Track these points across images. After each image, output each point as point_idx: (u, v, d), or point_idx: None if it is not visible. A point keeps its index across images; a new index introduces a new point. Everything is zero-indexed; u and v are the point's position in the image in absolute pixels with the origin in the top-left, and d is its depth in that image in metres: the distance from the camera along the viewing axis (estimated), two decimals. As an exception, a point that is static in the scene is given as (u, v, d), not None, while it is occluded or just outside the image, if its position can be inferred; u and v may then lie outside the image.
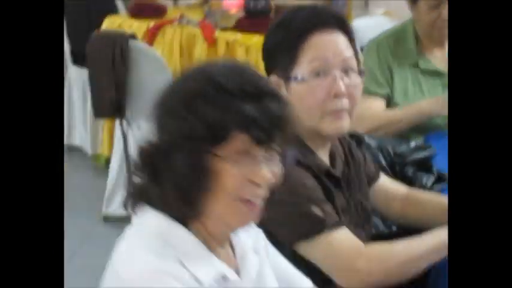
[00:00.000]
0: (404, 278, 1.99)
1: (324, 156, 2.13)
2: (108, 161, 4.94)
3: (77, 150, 5.75)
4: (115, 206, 4.65)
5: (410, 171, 2.57)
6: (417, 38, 3.24)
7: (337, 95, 2.02)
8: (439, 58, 3.23)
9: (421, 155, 2.64)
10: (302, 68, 2.02)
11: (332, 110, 2.03)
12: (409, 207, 2.35)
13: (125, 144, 4.46)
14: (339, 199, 2.10)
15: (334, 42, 2.04)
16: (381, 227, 2.42)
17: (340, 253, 1.97)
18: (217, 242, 1.59)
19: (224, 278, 1.56)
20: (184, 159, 1.48)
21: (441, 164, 2.66)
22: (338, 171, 2.14)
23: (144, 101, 4.03)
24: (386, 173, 2.46)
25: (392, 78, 3.16)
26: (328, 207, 2.01)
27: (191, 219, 1.56)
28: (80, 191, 5.15)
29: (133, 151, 4.27)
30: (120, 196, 4.64)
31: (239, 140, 1.50)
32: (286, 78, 2.03)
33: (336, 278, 1.96)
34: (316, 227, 1.97)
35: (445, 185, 2.56)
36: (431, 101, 3.07)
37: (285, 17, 2.10)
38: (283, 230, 1.96)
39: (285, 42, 2.04)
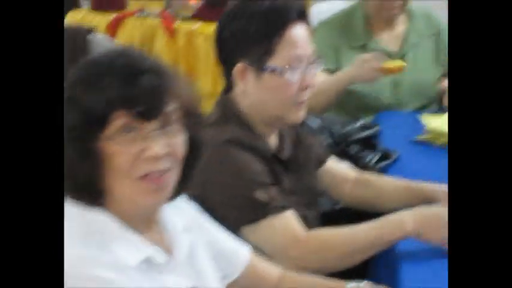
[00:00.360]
0: (340, 268, 2.02)
1: (272, 140, 2.18)
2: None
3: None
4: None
5: (354, 149, 2.62)
6: (366, 20, 3.28)
7: (306, 88, 2.10)
8: (387, 39, 3.27)
9: (366, 133, 2.69)
10: (278, 60, 2.06)
11: (299, 101, 2.10)
12: (359, 189, 2.39)
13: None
14: (287, 182, 2.14)
15: (304, 36, 2.10)
16: (326, 204, 2.46)
17: (278, 239, 2.01)
18: (142, 224, 1.60)
19: (151, 259, 1.56)
20: (72, 150, 1.49)
21: (388, 142, 2.73)
22: (286, 154, 2.19)
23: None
24: (331, 152, 2.50)
25: (339, 59, 3.20)
26: (274, 192, 2.05)
27: (105, 205, 1.56)
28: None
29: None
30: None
31: (121, 119, 1.49)
32: (260, 68, 2.07)
33: (275, 261, 1.97)
34: (260, 212, 2.01)
35: (389, 162, 2.63)
36: (354, 65, 3.02)
37: (255, 6, 2.10)
38: (230, 215, 2.00)
39: (259, 33, 2.06)
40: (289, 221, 2.04)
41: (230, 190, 2.02)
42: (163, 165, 1.54)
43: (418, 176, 2.36)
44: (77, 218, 1.54)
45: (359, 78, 3.00)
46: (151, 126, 1.52)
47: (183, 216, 1.72)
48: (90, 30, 4.46)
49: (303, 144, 2.29)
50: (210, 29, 4.85)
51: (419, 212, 2.02)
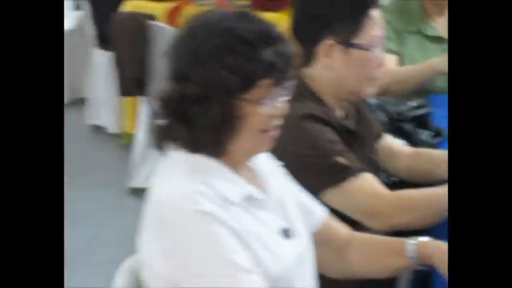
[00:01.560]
0: (422, 224, 2.17)
1: (340, 114, 2.36)
2: (131, 139, 5.09)
3: (102, 129, 5.94)
4: (139, 179, 4.83)
5: (408, 127, 2.77)
6: (422, 5, 3.42)
7: (381, 65, 2.31)
8: (440, 25, 3.42)
9: (419, 112, 2.84)
10: (364, 38, 2.25)
11: (374, 77, 2.31)
12: (415, 163, 2.54)
13: (150, 119, 4.63)
14: (354, 153, 2.30)
15: (379, 19, 2.30)
16: (383, 177, 2.60)
17: (365, 198, 2.18)
18: (239, 168, 1.79)
19: (250, 196, 1.75)
20: (218, 107, 1.67)
21: (439, 121, 2.86)
22: (352, 128, 2.36)
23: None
24: (386, 129, 2.66)
25: (401, 42, 3.37)
26: (351, 157, 2.22)
27: (217, 156, 1.74)
28: (106, 168, 5.35)
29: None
30: (144, 169, 4.81)
31: (263, 84, 1.69)
32: (347, 44, 2.24)
33: (362, 220, 2.16)
34: (342, 175, 2.18)
35: (441, 139, 2.76)
36: (440, 59, 3.21)
37: None
38: (310, 181, 2.14)
39: (349, 12, 2.24)
40: (372, 181, 2.21)
41: (311, 158, 2.18)
42: (280, 121, 1.75)
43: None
44: (183, 160, 1.73)
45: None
46: (281, 88, 1.72)
47: (269, 162, 1.91)
48: (149, 17, 4.62)
49: (363, 119, 2.45)
50: (265, 17, 4.98)
51: None
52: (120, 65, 4.68)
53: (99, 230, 4.43)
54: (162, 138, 1.77)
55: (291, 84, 1.75)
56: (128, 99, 5.36)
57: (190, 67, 1.70)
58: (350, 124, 2.36)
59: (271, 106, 1.71)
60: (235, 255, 1.66)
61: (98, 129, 5.96)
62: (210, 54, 1.68)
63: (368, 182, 2.20)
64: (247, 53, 1.67)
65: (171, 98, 1.73)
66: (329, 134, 2.22)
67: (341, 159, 2.18)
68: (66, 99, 6.67)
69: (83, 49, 6.26)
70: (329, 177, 2.18)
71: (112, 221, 4.59)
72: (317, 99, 2.28)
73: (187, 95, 1.69)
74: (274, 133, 1.76)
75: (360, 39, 2.24)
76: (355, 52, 2.25)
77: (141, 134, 4.85)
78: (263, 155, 1.88)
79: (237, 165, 1.78)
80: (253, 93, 1.69)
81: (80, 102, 6.34)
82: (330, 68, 2.27)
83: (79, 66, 6.48)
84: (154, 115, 1.77)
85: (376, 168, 2.43)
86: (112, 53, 4.79)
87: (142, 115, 4.80)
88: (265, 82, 1.69)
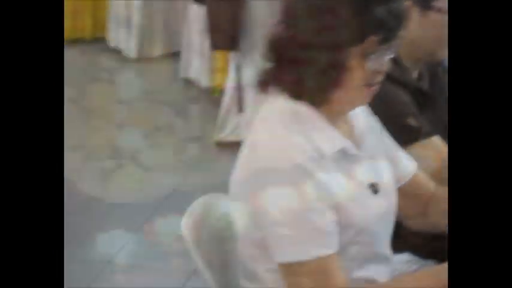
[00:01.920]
0: None
1: (415, 74, 2.40)
2: (222, 92, 5.19)
3: (194, 83, 6.04)
4: (227, 132, 4.95)
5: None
6: None
7: None
8: None
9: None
10: (442, 1, 2.26)
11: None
12: None
13: (239, 74, 4.75)
14: (425, 114, 2.35)
15: None
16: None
17: (432, 162, 2.21)
18: (337, 121, 1.84)
19: (344, 150, 1.80)
20: (326, 56, 1.71)
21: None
22: (425, 88, 2.41)
23: (259, 35, 4.29)
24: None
25: None
26: (422, 120, 2.26)
27: (318, 105, 1.79)
28: (196, 120, 5.48)
29: (246, 82, 4.55)
30: (231, 123, 4.91)
31: (372, 40, 1.73)
32: (427, 6, 2.29)
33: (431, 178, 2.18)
34: (413, 136, 2.22)
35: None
36: None
37: None
38: None
39: None
40: (441, 145, 2.25)
41: (383, 118, 2.18)
42: (381, 78, 1.80)
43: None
44: (283, 107, 1.79)
45: None
46: (388, 46, 1.76)
47: (366, 118, 1.96)
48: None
49: (438, 81, 2.48)
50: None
51: None
52: (214, 19, 4.76)
53: (185, 180, 4.54)
54: (267, 81, 1.82)
55: (398, 42, 1.78)
56: (220, 54, 5.44)
57: (304, 14, 1.74)
58: (424, 85, 2.40)
59: (376, 62, 1.75)
60: (315, 214, 1.71)
61: (190, 83, 6.07)
62: (325, 5, 1.71)
63: (436, 146, 2.24)
64: (360, 9, 1.71)
65: (281, 41, 1.77)
66: (402, 95, 2.26)
67: (412, 121, 2.23)
68: (161, 52, 6.83)
69: (179, 3, 6.37)
70: (399, 138, 2.19)
71: (197, 171, 4.71)
72: (392, 59, 2.31)
73: (297, 39, 1.74)
74: (375, 88, 1.80)
75: (438, 2, 2.27)
76: (432, 14, 2.28)
77: (230, 88, 4.93)
78: (361, 109, 1.92)
79: (335, 117, 1.82)
80: (362, 48, 1.72)
81: (175, 55, 6.47)
82: (405, 29, 2.29)
83: (175, 20, 6.60)
84: (262, 58, 1.81)
85: (447, 130, 2.45)
86: (207, 7, 4.87)
87: (233, 70, 4.88)
88: (374, 38, 1.72)
